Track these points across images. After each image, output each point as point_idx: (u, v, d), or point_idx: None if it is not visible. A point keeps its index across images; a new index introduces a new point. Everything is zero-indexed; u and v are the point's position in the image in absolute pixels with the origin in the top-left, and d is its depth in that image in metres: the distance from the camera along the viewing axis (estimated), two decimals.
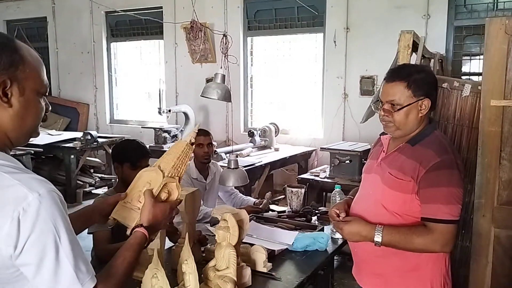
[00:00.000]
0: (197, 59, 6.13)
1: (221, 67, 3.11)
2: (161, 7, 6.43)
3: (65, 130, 6.97)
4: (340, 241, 2.37)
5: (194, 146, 1.39)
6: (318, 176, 4.01)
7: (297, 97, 5.95)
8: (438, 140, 1.62)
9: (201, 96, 3.27)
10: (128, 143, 2.65)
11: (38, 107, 1.01)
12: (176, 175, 1.31)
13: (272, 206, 2.98)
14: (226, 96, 3.09)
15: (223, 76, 3.14)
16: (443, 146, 1.59)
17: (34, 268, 0.88)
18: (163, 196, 1.31)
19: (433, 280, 1.64)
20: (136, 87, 7.23)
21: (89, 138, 5.49)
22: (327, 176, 3.97)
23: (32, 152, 4.94)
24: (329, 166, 4.05)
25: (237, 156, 4.63)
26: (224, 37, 3.88)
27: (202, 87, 3.36)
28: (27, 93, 0.96)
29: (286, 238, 2.24)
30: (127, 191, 1.35)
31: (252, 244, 2.02)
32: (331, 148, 4.06)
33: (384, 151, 1.72)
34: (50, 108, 1.06)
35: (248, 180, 2.69)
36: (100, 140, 5.71)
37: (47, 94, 1.04)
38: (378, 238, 1.55)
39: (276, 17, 5.79)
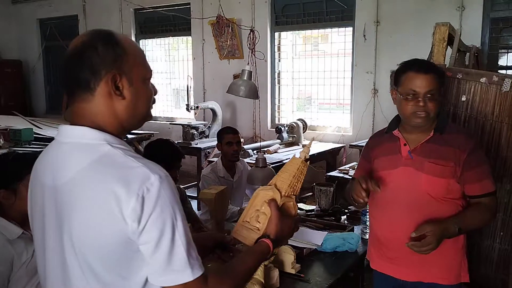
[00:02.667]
0: (225, 55, 6.11)
1: (248, 63, 3.07)
2: (189, 4, 6.43)
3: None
4: None
5: (307, 162, 1.32)
6: (347, 173, 3.93)
7: (326, 93, 5.85)
8: (457, 126, 1.83)
9: (227, 93, 3.24)
10: (162, 144, 2.67)
11: (147, 93, 1.06)
12: (292, 193, 1.29)
13: (300, 205, 2.93)
14: (252, 93, 3.05)
15: (250, 72, 3.10)
16: (466, 130, 1.81)
17: (153, 246, 0.91)
18: (284, 214, 1.27)
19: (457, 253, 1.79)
20: (164, 84, 7.29)
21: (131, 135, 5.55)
22: None
23: None
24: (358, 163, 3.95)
25: (264, 153, 4.60)
26: (251, 33, 3.83)
27: (229, 83, 3.34)
28: (135, 82, 1.01)
29: (315, 238, 2.19)
30: (245, 210, 1.32)
31: None
32: (360, 145, 3.97)
33: (405, 144, 1.77)
34: (157, 91, 1.11)
35: None
36: (129, 136, 5.77)
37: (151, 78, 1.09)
38: (456, 229, 1.62)
39: (304, 11, 5.70)
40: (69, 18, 7.75)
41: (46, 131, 6.24)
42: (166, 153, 2.45)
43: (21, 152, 1.77)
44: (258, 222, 1.26)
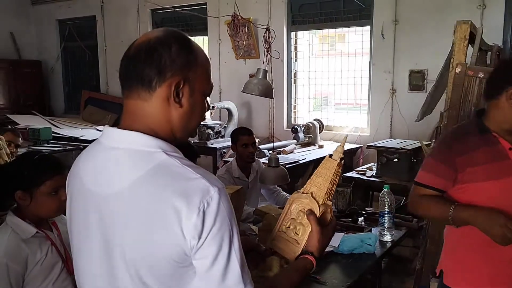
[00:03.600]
0: (241, 55, 6.10)
1: (263, 62, 3.04)
2: (205, 3, 6.44)
3: (113, 126, 7.13)
4: (389, 244, 2.26)
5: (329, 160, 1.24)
6: (364, 174, 3.88)
7: (343, 93, 5.80)
8: None
9: (242, 92, 3.22)
10: (178, 143, 2.64)
11: (203, 108, 1.01)
12: (329, 199, 1.23)
13: None
14: (267, 92, 3.02)
15: (265, 71, 3.07)
16: None
17: (210, 262, 0.88)
18: (322, 224, 1.22)
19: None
20: None
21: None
22: (374, 174, 3.82)
23: (82, 147, 5.08)
24: (376, 164, 3.90)
25: (280, 153, 4.57)
26: (267, 31, 3.80)
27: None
28: (196, 94, 0.96)
29: (331, 240, 2.15)
30: (280, 218, 1.28)
31: None
32: (378, 145, 3.91)
33: (510, 149, 1.56)
34: (210, 108, 1.05)
35: (289, 179, 2.61)
36: (184, 139, 5.78)
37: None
38: None
39: (321, 10, 5.65)
40: (88, 19, 7.83)
41: (64, 131, 6.32)
42: (183, 152, 2.43)
43: (45, 154, 1.75)
44: (296, 233, 1.21)
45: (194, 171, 0.90)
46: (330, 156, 1.24)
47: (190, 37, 0.98)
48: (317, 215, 1.18)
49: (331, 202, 1.22)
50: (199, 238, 0.86)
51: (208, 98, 1.03)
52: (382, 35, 5.12)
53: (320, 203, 1.19)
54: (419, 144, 3.73)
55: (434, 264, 2.52)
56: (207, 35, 6.59)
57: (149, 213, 0.87)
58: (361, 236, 2.16)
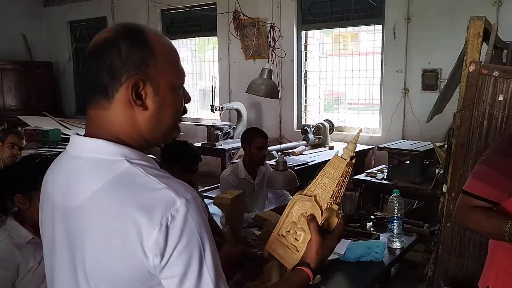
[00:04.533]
0: (250, 55, 6.03)
1: (268, 62, 2.95)
2: (215, 3, 6.39)
3: None
4: (398, 251, 2.16)
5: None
6: (374, 177, 3.77)
7: (354, 93, 5.68)
8: None
9: (246, 92, 3.14)
10: (178, 146, 2.58)
11: (176, 103, 0.91)
12: (335, 202, 1.09)
13: None
14: (272, 93, 2.93)
15: (270, 71, 2.98)
16: None
17: (177, 281, 0.80)
18: (324, 226, 1.11)
19: None
20: (191, 85, 7.28)
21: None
22: (385, 177, 3.71)
23: None
24: (387, 166, 3.80)
25: (289, 155, 4.49)
26: (271, 29, 3.71)
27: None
28: (161, 90, 0.87)
29: (337, 247, 2.05)
30: (280, 220, 1.17)
31: None
32: (389, 147, 3.80)
33: None
34: (190, 99, 0.96)
35: (298, 183, 2.52)
36: (158, 142, 5.76)
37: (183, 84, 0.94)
38: None
39: (332, 9, 5.55)
40: (98, 20, 7.84)
41: (74, 132, 6.33)
42: (183, 155, 2.37)
43: (46, 157, 1.71)
44: (296, 239, 1.10)
45: (159, 180, 0.81)
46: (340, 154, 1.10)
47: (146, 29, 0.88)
48: (319, 223, 1.06)
49: (337, 206, 1.09)
50: (162, 256, 0.78)
51: (185, 87, 0.93)
52: (394, 33, 5.00)
53: (324, 208, 1.06)
54: (432, 146, 3.62)
55: (447, 271, 2.42)
56: (216, 35, 6.54)
57: (107, 229, 0.80)
58: (368, 243, 2.07)
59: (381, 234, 2.30)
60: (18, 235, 1.55)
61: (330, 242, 1.09)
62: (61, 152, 0.95)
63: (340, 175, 1.06)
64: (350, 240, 2.14)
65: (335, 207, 1.08)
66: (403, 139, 4.77)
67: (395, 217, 2.19)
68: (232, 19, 5.40)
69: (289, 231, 1.12)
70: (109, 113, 0.85)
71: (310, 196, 1.10)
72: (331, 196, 1.06)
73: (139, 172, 0.82)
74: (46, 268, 0.97)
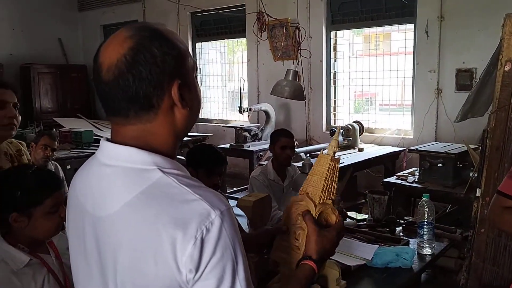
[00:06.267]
0: (279, 57, 6.00)
1: (293, 62, 2.92)
2: (243, 5, 6.40)
3: None
4: (428, 258, 2.09)
5: (335, 158, 1.18)
6: (405, 180, 3.67)
7: (385, 94, 5.57)
8: None
9: (270, 94, 3.11)
10: (204, 149, 2.58)
11: (200, 95, 0.90)
12: (328, 197, 1.15)
13: (351, 213, 2.75)
14: (297, 94, 2.89)
15: (295, 72, 2.95)
16: None
17: None
18: (321, 225, 1.16)
19: None
20: (220, 87, 7.32)
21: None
22: (416, 180, 3.61)
23: None
24: (418, 169, 3.69)
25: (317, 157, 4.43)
26: (297, 30, 3.67)
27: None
28: (191, 85, 0.85)
29: (364, 252, 2.01)
30: (283, 218, 1.22)
31: None
32: (421, 149, 3.69)
33: None
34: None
35: None
36: (184, 138, 5.82)
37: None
38: None
39: (362, 8, 5.46)
40: (130, 23, 7.97)
41: (107, 133, 6.47)
42: (209, 158, 2.36)
43: (42, 170, 1.58)
44: (297, 239, 1.13)
45: (193, 191, 0.78)
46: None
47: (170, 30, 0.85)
48: (314, 215, 1.10)
49: (331, 201, 1.14)
50: (196, 270, 0.75)
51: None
52: (427, 32, 4.86)
53: (317, 202, 1.11)
54: (465, 148, 3.49)
55: (480, 279, 2.32)
56: (245, 37, 6.55)
57: (140, 242, 0.77)
58: (397, 249, 2.00)
59: (410, 240, 2.23)
60: (13, 260, 1.38)
61: (329, 233, 1.11)
62: (93, 152, 0.92)
63: (327, 169, 1.13)
64: (378, 245, 2.08)
65: (329, 202, 1.14)
66: (435, 141, 4.63)
67: (425, 222, 2.11)
68: (256, 19, 5.37)
69: (290, 234, 1.16)
70: (151, 125, 0.82)
71: (302, 195, 1.16)
72: (322, 190, 1.12)
73: (172, 182, 0.79)
74: (73, 273, 0.96)
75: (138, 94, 0.79)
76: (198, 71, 7.28)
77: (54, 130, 5.27)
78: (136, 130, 0.82)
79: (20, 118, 1.67)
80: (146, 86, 0.79)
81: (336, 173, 1.15)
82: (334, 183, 1.14)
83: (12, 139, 1.80)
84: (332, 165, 1.13)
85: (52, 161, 3.39)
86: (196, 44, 7.31)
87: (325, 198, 1.13)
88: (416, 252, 2.06)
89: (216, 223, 0.76)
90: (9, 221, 1.40)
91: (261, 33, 5.64)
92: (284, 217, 1.17)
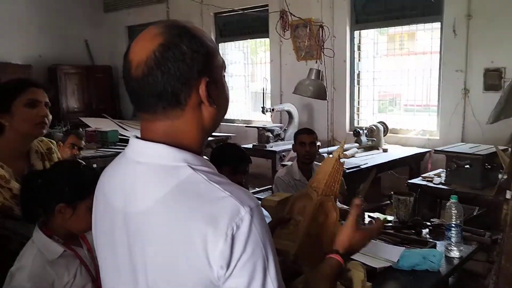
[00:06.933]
0: (302, 57, 5.97)
1: (316, 62, 2.89)
2: (267, 5, 6.39)
3: None
4: (456, 261, 2.04)
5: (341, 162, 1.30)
6: (431, 181, 3.60)
7: (410, 94, 5.48)
8: None
9: (293, 93, 3.10)
10: (228, 147, 2.61)
11: (227, 93, 0.91)
12: (330, 193, 1.22)
13: (376, 214, 2.71)
14: (320, 94, 2.86)
15: (318, 71, 2.92)
16: None
17: None
18: (321, 218, 1.23)
19: None
20: (243, 87, 7.34)
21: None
22: (442, 182, 3.54)
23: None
24: (445, 170, 3.62)
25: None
26: (321, 29, 3.65)
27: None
28: (219, 83, 0.87)
29: (390, 254, 1.98)
30: (285, 210, 1.29)
31: (349, 259, 1.80)
32: (447, 150, 3.62)
33: None
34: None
35: (345, 186, 2.45)
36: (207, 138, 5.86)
37: None
38: None
39: (387, 7, 5.38)
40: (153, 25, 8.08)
41: (131, 133, 6.56)
42: (233, 156, 2.37)
43: (87, 165, 1.65)
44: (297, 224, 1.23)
45: (223, 188, 0.79)
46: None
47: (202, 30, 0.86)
48: (315, 204, 1.17)
49: (333, 197, 1.22)
50: (227, 267, 0.75)
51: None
52: (454, 31, 4.76)
53: (319, 193, 1.20)
54: (494, 149, 3.40)
55: (510, 284, 2.26)
56: (268, 37, 6.54)
57: (171, 239, 0.78)
58: (424, 252, 1.97)
59: (437, 242, 2.19)
60: (48, 251, 1.44)
61: (364, 233, 1.14)
62: (118, 151, 0.94)
63: (331, 168, 1.24)
64: (404, 248, 2.05)
65: (331, 197, 1.24)
66: (462, 142, 4.53)
67: (453, 225, 2.07)
68: (280, 18, 5.35)
69: (290, 223, 1.27)
70: (179, 121, 0.83)
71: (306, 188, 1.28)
72: (325, 184, 1.22)
73: (201, 179, 0.80)
74: (101, 270, 0.97)
75: (166, 90, 0.80)
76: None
77: (81, 129, 5.38)
78: (164, 127, 0.84)
79: (51, 117, 1.71)
80: (174, 82, 0.80)
81: (340, 174, 1.25)
82: (337, 183, 1.24)
83: (43, 138, 1.84)
84: (336, 165, 1.23)
85: (79, 160, 3.45)
86: (219, 44, 7.34)
87: (328, 193, 1.22)
88: (443, 255, 2.02)
89: (246, 220, 0.76)
90: (51, 212, 1.46)
91: (284, 32, 5.63)
92: (288, 207, 1.26)
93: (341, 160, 1.26)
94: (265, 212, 1.85)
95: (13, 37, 7.64)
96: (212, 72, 0.84)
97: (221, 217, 0.75)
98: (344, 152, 3.99)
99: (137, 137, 0.88)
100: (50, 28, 8.23)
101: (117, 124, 7.15)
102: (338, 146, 1.32)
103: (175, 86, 0.80)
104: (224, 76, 0.90)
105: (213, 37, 7.28)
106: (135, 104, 0.86)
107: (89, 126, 6.68)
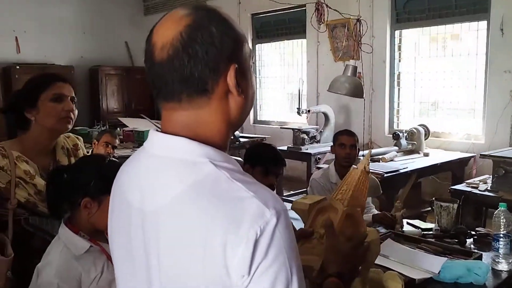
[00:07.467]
0: (340, 57, 5.83)
1: (352, 57, 2.77)
2: (304, 5, 6.30)
3: None
4: (505, 274, 1.88)
5: (367, 172, 1.27)
6: (476, 188, 3.39)
7: (453, 96, 5.23)
8: None
9: (327, 91, 2.98)
10: (264, 147, 2.55)
11: (255, 85, 0.84)
12: (357, 206, 1.16)
13: (415, 221, 2.56)
14: (357, 92, 2.73)
15: (355, 68, 2.79)
16: None
17: None
18: (349, 231, 1.14)
19: None
20: (279, 88, 7.27)
21: (232, 137, 5.60)
22: (489, 188, 3.33)
23: None
24: (491, 176, 3.40)
25: (379, 161, 4.23)
26: (358, 23, 3.52)
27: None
28: (247, 73, 0.80)
29: (431, 265, 1.84)
30: (307, 224, 1.23)
31: (386, 269, 1.69)
32: (494, 154, 3.41)
33: None
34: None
35: (381, 191, 2.32)
36: (241, 140, 5.83)
37: None
38: None
39: (429, 5, 5.17)
40: None
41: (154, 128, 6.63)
42: (267, 156, 2.29)
43: (113, 160, 1.63)
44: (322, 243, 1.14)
45: (246, 187, 0.71)
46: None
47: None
48: (340, 216, 1.11)
49: (359, 210, 1.16)
50: (247, 274, 0.67)
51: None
52: (501, 29, 4.51)
53: (345, 205, 1.14)
54: None
55: None
56: (305, 38, 6.45)
57: (188, 240, 0.71)
58: (468, 263, 1.82)
59: (483, 253, 2.02)
60: (75, 246, 1.42)
61: (344, 246, 1.06)
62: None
63: (357, 179, 1.20)
64: (446, 258, 1.91)
65: (358, 210, 1.17)
66: (510, 146, 4.27)
67: (501, 235, 1.91)
68: (315, 11, 5.20)
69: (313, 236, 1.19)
70: (204, 111, 0.76)
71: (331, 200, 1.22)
72: (351, 196, 1.17)
73: (223, 177, 0.72)
74: (116, 270, 0.92)
75: (192, 76, 0.73)
76: (258, 72, 7.34)
77: (118, 129, 5.46)
78: (187, 117, 0.77)
79: (76, 112, 1.69)
80: (202, 67, 0.73)
81: (366, 187, 1.21)
82: (364, 196, 1.19)
83: (70, 134, 1.83)
84: (362, 177, 1.18)
85: (113, 158, 3.49)
86: (256, 45, 7.31)
87: (353, 206, 1.15)
88: (490, 268, 1.86)
89: (270, 224, 0.68)
90: (77, 207, 1.44)
91: (319, 25, 5.48)
92: (310, 220, 1.19)
93: (367, 171, 1.24)
94: (296, 215, 1.77)
95: (58, 40, 7.91)
96: (241, 60, 0.78)
97: (242, 220, 0.67)
98: (383, 156, 3.87)
99: (157, 131, 0.82)
100: (92, 30, 8.46)
101: (154, 124, 7.22)
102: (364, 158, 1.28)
103: (202, 71, 0.73)
104: (251, 66, 0.83)
105: (250, 38, 7.25)
106: (157, 92, 0.79)
107: (127, 126, 6.81)
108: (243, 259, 0.67)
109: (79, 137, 1.89)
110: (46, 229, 1.56)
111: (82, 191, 1.44)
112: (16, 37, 7.48)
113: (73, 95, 1.68)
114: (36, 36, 7.66)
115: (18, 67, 7.08)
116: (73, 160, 1.78)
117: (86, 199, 1.43)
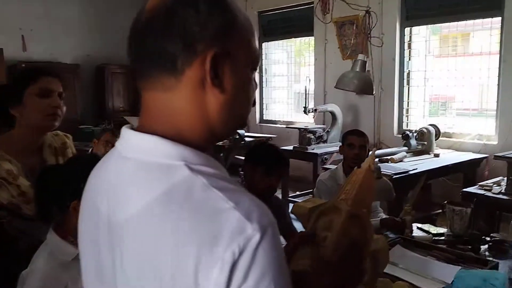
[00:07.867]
0: (348, 55, 5.70)
1: (361, 52, 2.64)
2: (312, 3, 6.19)
3: None
4: None
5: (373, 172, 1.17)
6: (489, 190, 3.27)
7: (464, 95, 5.09)
8: None
9: (335, 87, 2.85)
10: (266, 146, 2.46)
11: (252, 89, 0.73)
12: (363, 207, 1.07)
13: (425, 226, 2.44)
14: (366, 88, 2.61)
15: (364, 63, 2.67)
16: None
17: None
18: (354, 232, 1.04)
19: None
20: (285, 87, 7.17)
21: (237, 137, 5.52)
22: (503, 191, 3.20)
23: None
24: (505, 178, 3.27)
25: (388, 161, 4.11)
26: (367, 14, 3.39)
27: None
28: (240, 70, 0.70)
29: (443, 274, 1.72)
30: (307, 228, 1.11)
31: (395, 278, 1.58)
32: (509, 156, 3.28)
33: None
34: (257, 87, 0.78)
35: (394, 194, 2.19)
36: (247, 139, 5.73)
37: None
38: None
39: (441, 2, 5.02)
40: None
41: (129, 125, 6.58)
42: (270, 156, 2.18)
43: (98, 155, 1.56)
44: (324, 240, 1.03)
45: (227, 197, 0.60)
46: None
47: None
48: (344, 217, 1.01)
49: (365, 211, 1.05)
50: None
51: (255, 74, 0.74)
52: None
53: (349, 204, 1.05)
54: None
55: None
56: (313, 36, 6.33)
57: (155, 257, 0.61)
58: (484, 273, 1.70)
59: (499, 261, 1.90)
60: (62, 252, 1.37)
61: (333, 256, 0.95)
62: None
63: (361, 179, 1.11)
64: (460, 267, 1.79)
65: (364, 211, 1.07)
66: None
67: None
68: (319, 1, 5.06)
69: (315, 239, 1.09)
70: (173, 95, 0.67)
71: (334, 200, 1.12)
72: (355, 195, 1.07)
73: (200, 184, 0.62)
74: (84, 283, 0.81)
75: (164, 50, 0.65)
76: (264, 71, 7.23)
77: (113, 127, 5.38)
78: (161, 101, 0.68)
79: (65, 108, 1.59)
80: (176, 41, 0.65)
81: (372, 187, 1.13)
82: (370, 196, 1.11)
83: (58, 132, 1.74)
84: (367, 176, 1.10)
85: (96, 154, 3.41)
86: (263, 44, 7.21)
87: (359, 205, 1.06)
88: (507, 278, 1.74)
89: (252, 242, 0.57)
90: (66, 210, 1.37)
91: (324, 15, 5.35)
92: (311, 223, 1.10)
93: (373, 170, 1.14)
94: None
95: (64, 38, 7.88)
96: (231, 48, 0.67)
97: (219, 237, 0.57)
98: (392, 156, 3.73)
99: (131, 128, 0.71)
100: (99, 28, 8.41)
101: None
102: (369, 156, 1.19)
103: (175, 45, 0.65)
104: (253, 70, 0.73)
105: (256, 36, 7.13)
106: (135, 72, 0.70)
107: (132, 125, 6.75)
108: (217, 284, 0.56)
109: (68, 135, 1.80)
110: (31, 233, 1.47)
111: (72, 193, 1.35)
112: (22, 36, 7.45)
113: (61, 90, 1.59)
114: (42, 35, 7.63)
115: (24, 65, 7.05)
116: (61, 159, 1.69)
117: (75, 202, 1.34)
